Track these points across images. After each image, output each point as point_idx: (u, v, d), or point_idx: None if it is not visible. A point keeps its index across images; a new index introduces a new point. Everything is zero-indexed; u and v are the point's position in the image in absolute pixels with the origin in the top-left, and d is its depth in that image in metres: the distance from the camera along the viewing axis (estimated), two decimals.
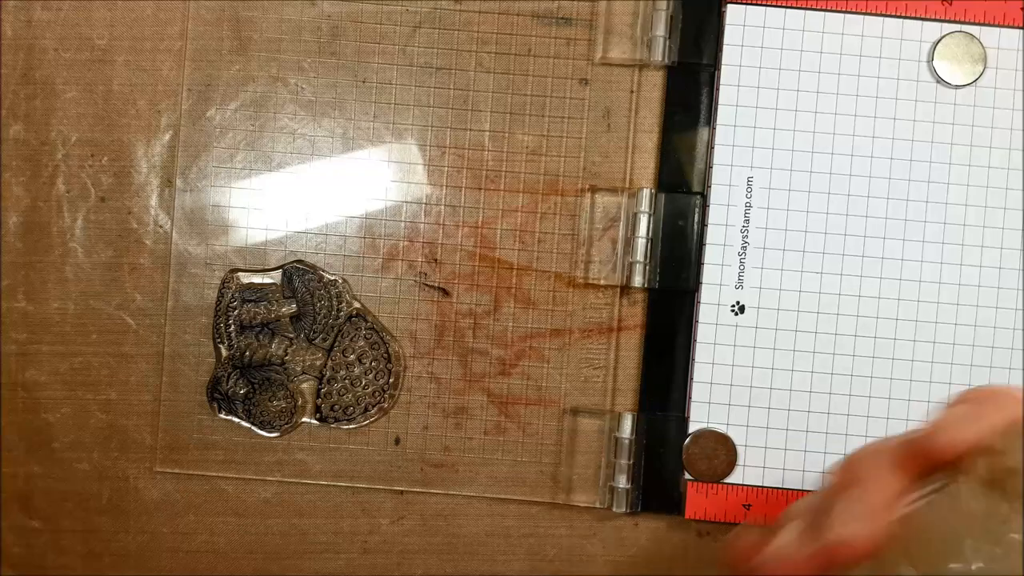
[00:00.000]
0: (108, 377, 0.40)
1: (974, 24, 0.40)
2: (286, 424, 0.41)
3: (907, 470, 0.25)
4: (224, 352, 0.40)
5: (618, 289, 0.40)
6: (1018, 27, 0.40)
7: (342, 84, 0.40)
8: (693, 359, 0.40)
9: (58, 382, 0.40)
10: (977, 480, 0.24)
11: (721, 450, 0.40)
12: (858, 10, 0.40)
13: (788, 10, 0.40)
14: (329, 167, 0.40)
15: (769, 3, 0.40)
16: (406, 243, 0.40)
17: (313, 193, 0.40)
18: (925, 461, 0.25)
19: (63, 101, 0.40)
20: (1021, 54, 0.40)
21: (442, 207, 0.40)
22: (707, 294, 0.40)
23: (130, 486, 0.41)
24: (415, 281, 0.41)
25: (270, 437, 0.41)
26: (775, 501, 0.40)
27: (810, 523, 0.26)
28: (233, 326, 0.40)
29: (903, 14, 0.40)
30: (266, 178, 0.40)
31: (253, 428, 0.41)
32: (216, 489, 0.41)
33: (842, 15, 0.40)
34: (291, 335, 0.41)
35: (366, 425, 0.41)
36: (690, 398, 0.40)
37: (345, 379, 0.41)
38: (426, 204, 0.40)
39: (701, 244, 0.40)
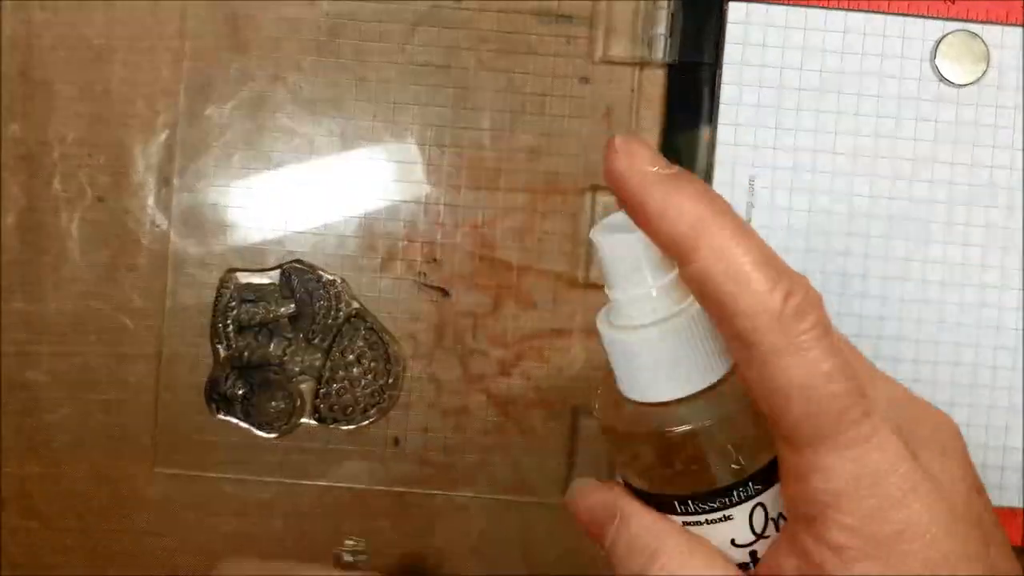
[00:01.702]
0: (107, 377, 0.40)
1: (977, 23, 0.40)
2: (285, 425, 0.40)
3: None
4: (222, 352, 0.40)
5: None
6: (1021, 25, 0.40)
7: (341, 83, 0.40)
8: None
9: (57, 382, 0.40)
10: None
11: None
12: (860, 8, 0.40)
13: (790, 8, 0.40)
14: (328, 166, 0.40)
15: (771, 1, 0.39)
16: (405, 243, 0.40)
17: (312, 192, 0.40)
18: None
19: (60, 100, 0.40)
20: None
21: (441, 207, 0.40)
22: None
23: (129, 486, 0.41)
24: (414, 281, 0.40)
25: (269, 437, 0.41)
26: None
27: None
28: (231, 326, 0.40)
29: (905, 12, 0.40)
30: (264, 177, 0.40)
31: (252, 429, 0.40)
32: (215, 490, 0.41)
33: (844, 13, 0.40)
34: (290, 335, 0.40)
35: (365, 426, 0.41)
36: None
37: (344, 380, 0.40)
38: (425, 203, 0.40)
39: None
